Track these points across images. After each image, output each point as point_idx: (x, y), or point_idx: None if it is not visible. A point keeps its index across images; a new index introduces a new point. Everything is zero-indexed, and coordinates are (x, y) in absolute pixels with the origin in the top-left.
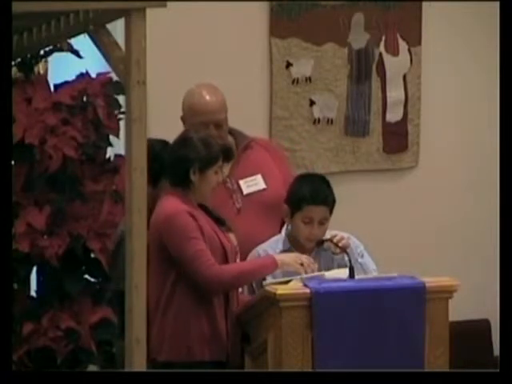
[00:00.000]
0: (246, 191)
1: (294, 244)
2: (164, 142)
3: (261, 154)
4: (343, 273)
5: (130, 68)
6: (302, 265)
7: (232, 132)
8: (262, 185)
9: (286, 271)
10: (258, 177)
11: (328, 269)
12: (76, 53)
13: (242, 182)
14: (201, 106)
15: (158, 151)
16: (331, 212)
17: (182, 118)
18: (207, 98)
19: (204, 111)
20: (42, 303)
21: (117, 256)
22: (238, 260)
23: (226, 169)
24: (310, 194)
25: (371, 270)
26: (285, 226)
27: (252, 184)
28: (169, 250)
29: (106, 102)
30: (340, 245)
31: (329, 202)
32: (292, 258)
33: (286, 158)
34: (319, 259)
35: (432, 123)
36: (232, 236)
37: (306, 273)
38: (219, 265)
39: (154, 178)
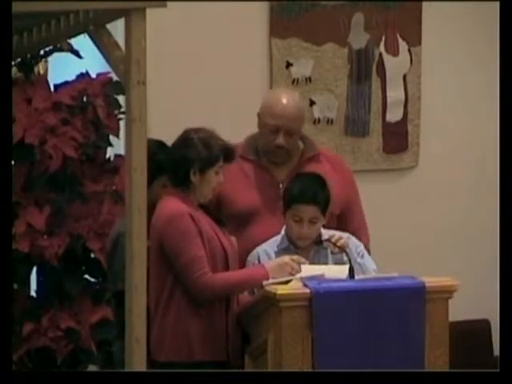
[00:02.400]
0: None
1: (292, 242)
2: (160, 143)
3: (325, 167)
4: (341, 269)
5: (130, 68)
6: (291, 273)
7: (303, 139)
8: None
9: None
10: None
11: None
12: (76, 53)
13: None
14: (276, 110)
15: (153, 152)
16: (324, 212)
17: (258, 115)
18: (285, 102)
19: (278, 116)
20: (42, 303)
21: (113, 256)
22: (236, 263)
23: (284, 175)
24: (299, 192)
25: (370, 270)
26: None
27: None
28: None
29: (106, 102)
30: (338, 244)
31: (318, 201)
32: (281, 266)
33: (352, 175)
34: (318, 258)
35: (432, 123)
36: (233, 239)
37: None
38: (212, 273)
39: (148, 179)
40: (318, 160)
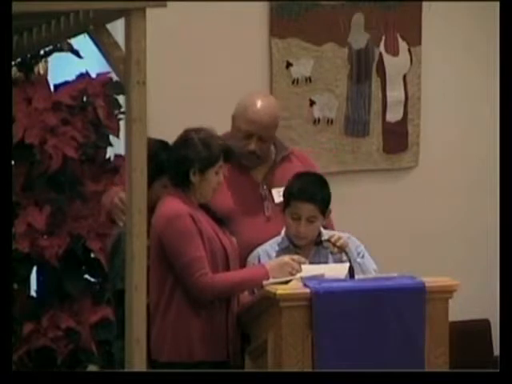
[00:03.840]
0: (277, 200)
1: (292, 242)
2: (161, 143)
3: (297, 166)
4: (341, 269)
5: (130, 68)
6: (291, 273)
7: (274, 141)
8: None
9: None
10: None
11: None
12: (76, 53)
13: (274, 191)
14: (251, 116)
15: (154, 151)
16: (323, 212)
17: (233, 117)
18: (260, 108)
19: (252, 122)
20: (42, 303)
21: (113, 256)
22: (237, 263)
23: (261, 175)
24: (297, 190)
25: (371, 270)
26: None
27: None
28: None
29: (106, 102)
30: (338, 244)
31: (316, 200)
32: (282, 266)
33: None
34: (318, 258)
35: (432, 123)
36: (234, 239)
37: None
38: (213, 273)
39: (149, 179)
40: (290, 159)
